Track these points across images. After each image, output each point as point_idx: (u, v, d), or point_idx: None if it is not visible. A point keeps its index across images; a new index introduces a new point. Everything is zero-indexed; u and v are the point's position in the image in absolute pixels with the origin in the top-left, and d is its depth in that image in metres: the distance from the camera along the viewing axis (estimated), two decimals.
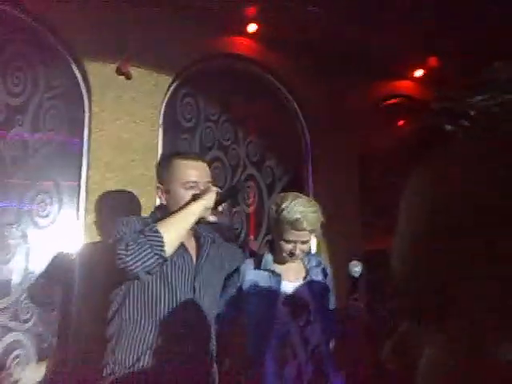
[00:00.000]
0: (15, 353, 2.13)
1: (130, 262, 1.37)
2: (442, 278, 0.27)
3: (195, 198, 1.55)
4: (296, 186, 3.08)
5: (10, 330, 2.13)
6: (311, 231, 1.84)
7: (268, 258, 1.92)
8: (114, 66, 2.39)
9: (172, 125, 2.65)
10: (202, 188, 1.58)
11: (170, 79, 2.60)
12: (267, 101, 3.02)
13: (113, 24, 2.39)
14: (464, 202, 0.26)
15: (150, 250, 1.39)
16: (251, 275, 1.88)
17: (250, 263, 1.92)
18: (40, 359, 2.19)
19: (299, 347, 1.80)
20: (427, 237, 0.28)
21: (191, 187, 1.58)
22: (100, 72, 2.37)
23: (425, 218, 0.29)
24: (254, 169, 2.97)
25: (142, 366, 1.46)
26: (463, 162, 0.28)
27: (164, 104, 2.60)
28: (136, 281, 1.48)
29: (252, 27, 2.81)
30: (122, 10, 2.42)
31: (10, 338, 2.12)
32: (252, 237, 2.89)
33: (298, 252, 1.83)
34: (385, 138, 3.01)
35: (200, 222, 1.56)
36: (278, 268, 1.90)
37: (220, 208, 1.60)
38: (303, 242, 1.84)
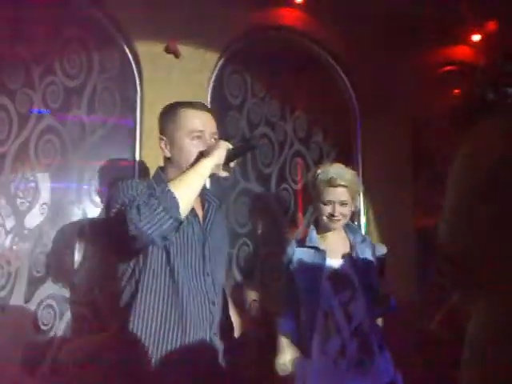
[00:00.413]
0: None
1: (145, 228, 1.24)
2: (489, 240, 0.27)
3: (204, 154, 1.46)
4: (344, 161, 3.02)
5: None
6: (348, 189, 1.89)
7: (312, 234, 1.96)
8: (163, 45, 2.40)
9: (219, 102, 2.65)
10: (208, 138, 1.51)
11: (217, 56, 2.58)
12: (315, 74, 2.96)
13: (159, 2, 2.39)
14: (503, 167, 0.27)
15: (164, 213, 1.27)
16: (297, 253, 1.91)
17: (294, 243, 1.99)
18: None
19: (342, 323, 1.81)
20: (473, 198, 0.29)
21: (197, 137, 1.50)
22: (150, 51, 2.39)
23: (470, 180, 0.30)
24: (301, 145, 2.94)
25: (162, 333, 1.41)
26: (503, 130, 0.28)
27: (212, 81, 2.60)
28: (149, 248, 1.39)
29: None
30: None
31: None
32: (301, 214, 2.88)
33: (337, 214, 1.88)
34: (440, 109, 2.89)
35: (211, 177, 1.49)
36: (322, 244, 1.92)
37: (232, 164, 1.50)
38: (342, 203, 1.90)
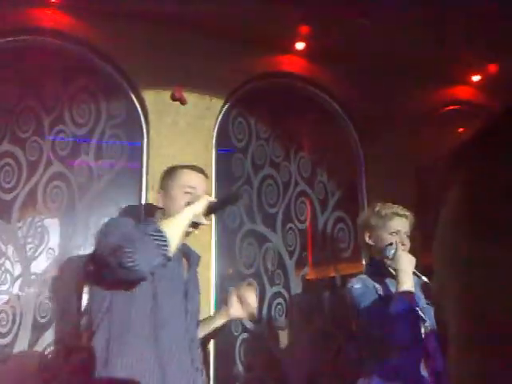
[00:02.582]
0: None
1: (138, 261, 1.35)
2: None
3: (189, 204, 1.62)
4: (350, 200, 3.04)
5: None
6: (408, 221, 1.95)
7: (376, 263, 1.99)
8: (168, 93, 2.49)
9: (225, 145, 2.70)
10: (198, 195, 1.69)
11: (221, 101, 2.66)
12: (317, 116, 3.02)
13: (165, 52, 2.50)
14: None
15: (156, 250, 1.40)
16: (372, 283, 1.94)
17: (363, 276, 1.99)
18: None
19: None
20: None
21: (188, 192, 1.68)
22: (156, 99, 2.47)
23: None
24: (305, 185, 2.96)
25: (136, 370, 1.45)
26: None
27: (216, 126, 2.66)
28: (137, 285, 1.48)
29: (300, 45, 2.83)
30: (172, 39, 2.52)
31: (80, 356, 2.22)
32: (307, 253, 2.87)
33: (406, 243, 1.93)
34: (444, 147, 2.92)
35: (195, 226, 1.62)
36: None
37: (212, 216, 1.70)
38: (406, 234, 1.95)
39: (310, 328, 2.76)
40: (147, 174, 2.43)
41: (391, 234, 1.93)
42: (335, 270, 2.90)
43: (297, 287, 2.75)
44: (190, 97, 2.53)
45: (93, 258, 1.57)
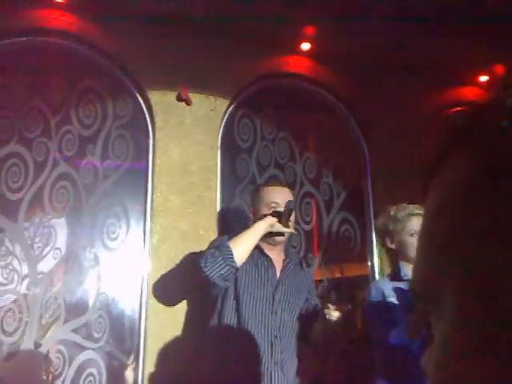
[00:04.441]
0: (88, 371, 2.23)
1: (208, 272, 1.70)
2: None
3: (263, 217, 1.89)
4: (355, 202, 3.03)
5: (84, 348, 2.24)
6: None
7: (403, 267, 1.99)
8: (174, 94, 2.50)
9: (230, 146, 2.71)
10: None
11: (227, 102, 2.67)
12: (323, 117, 3.02)
13: (171, 53, 2.51)
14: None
15: (222, 261, 1.71)
16: (388, 289, 1.98)
17: (384, 279, 2.09)
18: (110, 377, 2.28)
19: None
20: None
21: (273, 207, 1.90)
22: (162, 100, 2.49)
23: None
24: (311, 186, 2.96)
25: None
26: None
27: (222, 127, 2.67)
28: (229, 288, 1.80)
29: (305, 46, 2.83)
30: (178, 39, 2.53)
31: (83, 356, 2.23)
32: (314, 254, 2.87)
33: None
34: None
35: (279, 234, 1.89)
36: None
37: (290, 222, 1.91)
38: None
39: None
40: (153, 174, 2.44)
41: (411, 235, 1.95)
42: (341, 271, 2.89)
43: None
44: (196, 97, 2.54)
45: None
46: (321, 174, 2.99)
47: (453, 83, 3.20)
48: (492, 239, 0.25)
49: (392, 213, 2.04)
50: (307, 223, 2.89)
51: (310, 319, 1.95)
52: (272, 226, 1.85)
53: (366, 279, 2.93)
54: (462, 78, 3.17)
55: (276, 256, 1.94)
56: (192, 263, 2.23)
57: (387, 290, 1.99)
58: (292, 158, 2.93)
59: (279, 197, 1.93)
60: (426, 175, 0.33)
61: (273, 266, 1.91)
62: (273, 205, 1.90)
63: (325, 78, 2.97)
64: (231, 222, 2.63)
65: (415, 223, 1.96)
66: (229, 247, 1.73)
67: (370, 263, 2.90)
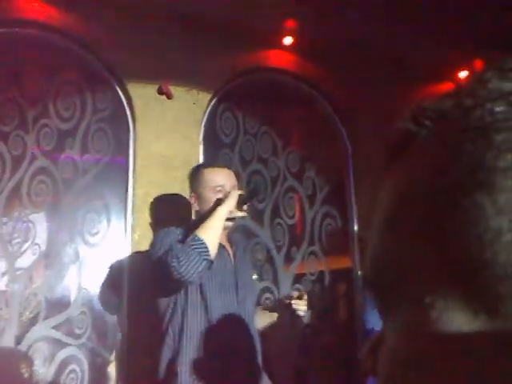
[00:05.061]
0: (70, 367, 2.21)
1: (184, 272, 1.52)
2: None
3: (219, 202, 1.73)
4: (338, 197, 3.05)
5: (66, 344, 2.21)
6: None
7: None
8: (155, 87, 2.48)
9: (212, 140, 2.70)
10: (228, 190, 1.77)
11: (209, 96, 2.65)
12: (306, 111, 3.02)
13: (152, 46, 2.48)
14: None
15: (198, 257, 1.55)
16: None
17: None
18: (93, 373, 2.26)
19: None
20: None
21: (218, 191, 1.77)
22: (142, 93, 2.46)
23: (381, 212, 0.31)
24: (294, 180, 2.97)
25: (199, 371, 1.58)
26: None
27: (204, 121, 2.66)
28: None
29: (288, 40, 2.83)
30: (159, 32, 2.50)
31: (65, 352, 2.21)
32: (295, 248, 2.88)
33: None
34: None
35: (231, 220, 1.74)
36: None
37: (244, 207, 1.77)
38: None
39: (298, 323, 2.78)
40: (134, 168, 2.42)
41: None
42: (324, 264, 2.92)
43: (285, 282, 2.76)
44: (177, 91, 2.52)
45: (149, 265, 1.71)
46: (304, 168, 2.99)
47: (434, 78, 3.23)
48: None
49: None
50: (290, 217, 2.90)
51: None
52: (231, 210, 1.71)
53: (349, 272, 2.95)
54: (444, 73, 3.20)
55: (225, 243, 1.79)
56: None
57: None
58: (275, 152, 2.93)
59: (224, 179, 1.79)
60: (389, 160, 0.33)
61: (228, 255, 1.78)
62: (218, 188, 1.76)
63: (307, 73, 2.97)
64: None
65: None
66: (201, 240, 1.57)
67: (352, 256, 2.93)
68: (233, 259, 1.79)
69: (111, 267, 2.32)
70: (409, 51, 2.83)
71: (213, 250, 1.59)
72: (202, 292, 1.66)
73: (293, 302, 1.72)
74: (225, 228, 1.72)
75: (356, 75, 2.92)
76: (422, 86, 3.23)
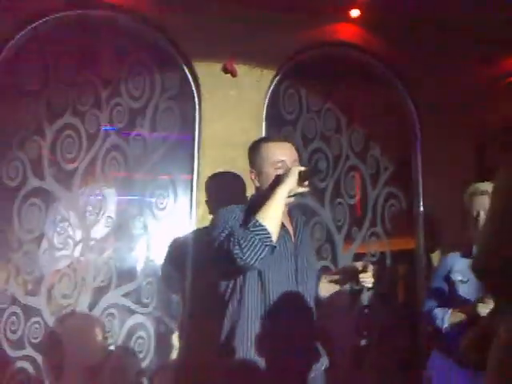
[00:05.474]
0: (137, 334, 2.35)
1: (248, 259, 1.49)
2: None
3: (279, 178, 1.64)
4: (403, 177, 2.95)
5: (134, 312, 2.35)
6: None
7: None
8: (220, 65, 2.49)
9: (275, 118, 2.68)
10: (289, 165, 1.67)
11: (272, 73, 2.63)
12: (372, 87, 2.91)
13: (217, 24, 2.48)
14: None
15: (260, 244, 1.50)
16: (460, 264, 2.01)
17: (456, 254, 2.08)
18: (158, 341, 2.38)
19: None
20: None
21: (279, 167, 1.68)
22: (208, 72, 2.48)
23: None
24: (357, 159, 2.90)
25: (258, 349, 1.56)
26: None
27: (267, 98, 2.64)
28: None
29: (355, 12, 2.72)
30: (223, 10, 2.49)
31: (132, 320, 2.35)
32: (356, 228, 2.84)
33: (481, 221, 1.94)
34: (504, 121, 2.73)
35: (294, 195, 1.65)
36: None
37: (306, 183, 1.66)
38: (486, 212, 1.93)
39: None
40: (199, 146, 2.47)
41: (473, 215, 2.00)
42: (387, 245, 2.86)
43: (344, 262, 2.73)
44: (241, 69, 2.51)
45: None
46: (368, 147, 2.91)
47: (502, 53, 2.98)
48: None
49: (468, 189, 2.06)
50: (351, 197, 2.85)
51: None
52: (292, 189, 1.62)
53: (411, 254, 2.88)
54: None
55: (285, 220, 1.71)
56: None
57: (457, 265, 2.00)
58: (338, 130, 2.87)
59: (285, 154, 1.69)
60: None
61: (289, 234, 1.72)
62: (279, 164, 1.68)
63: (375, 47, 2.85)
64: None
65: (478, 203, 1.97)
66: (262, 225, 1.52)
67: (415, 238, 2.84)
68: (293, 237, 1.74)
69: (173, 243, 2.40)
70: (474, 25, 2.63)
71: (275, 235, 1.55)
72: (260, 272, 1.62)
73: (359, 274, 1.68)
74: (285, 204, 1.65)
75: (426, 50, 2.77)
76: (489, 60, 3.01)
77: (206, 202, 2.39)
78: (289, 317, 1.62)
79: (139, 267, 2.42)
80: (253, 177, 1.75)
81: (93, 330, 2.30)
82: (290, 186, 1.60)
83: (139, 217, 2.43)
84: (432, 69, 2.80)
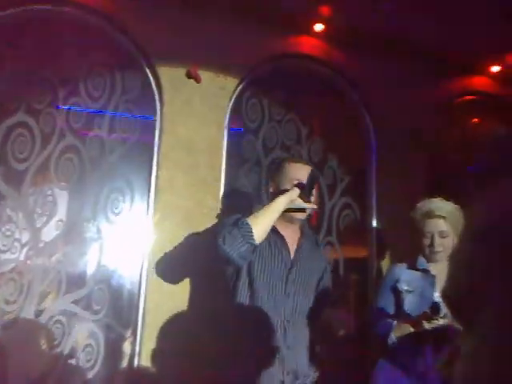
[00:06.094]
0: (86, 342, 2.26)
1: (227, 250, 1.62)
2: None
3: (283, 192, 1.79)
4: (358, 187, 3.03)
5: (83, 319, 2.26)
6: (446, 220, 1.98)
7: (421, 259, 2.08)
8: (184, 70, 2.46)
9: (237, 126, 2.68)
10: None
11: (236, 81, 2.63)
12: (332, 100, 2.98)
13: (183, 29, 2.45)
14: None
15: (242, 239, 1.63)
16: (406, 275, 2.07)
17: (403, 265, 2.14)
18: (108, 349, 2.31)
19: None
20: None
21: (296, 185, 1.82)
22: (171, 76, 2.44)
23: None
24: (315, 169, 2.94)
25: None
26: None
27: (230, 106, 2.64)
28: (242, 267, 1.75)
29: (319, 27, 2.77)
30: (190, 16, 2.47)
31: (82, 327, 2.26)
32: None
33: (436, 245, 1.99)
34: (458, 138, 2.87)
35: (301, 211, 1.82)
36: (432, 270, 2.03)
37: (311, 198, 1.83)
38: (441, 235, 2.00)
39: None
40: (159, 149, 2.42)
41: (424, 235, 2.04)
42: (340, 253, 2.93)
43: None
44: (205, 75, 2.50)
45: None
46: (326, 158, 2.97)
47: (464, 72, 3.16)
48: None
49: (418, 206, 2.09)
50: None
51: (319, 304, 1.89)
52: (293, 201, 1.76)
53: (364, 262, 2.96)
54: (474, 66, 3.13)
55: (291, 234, 1.86)
56: (194, 241, 2.23)
57: (404, 276, 2.07)
58: (298, 140, 2.91)
59: (303, 174, 1.84)
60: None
61: (286, 246, 1.84)
62: (295, 182, 1.82)
63: (336, 61, 2.92)
64: (235, 203, 2.63)
65: (431, 225, 2.01)
66: (248, 224, 1.64)
67: (368, 247, 2.93)
68: (292, 253, 1.85)
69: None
70: (437, 44, 2.77)
71: (258, 235, 1.65)
72: (250, 274, 1.76)
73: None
74: (293, 220, 1.83)
75: (385, 66, 2.87)
76: (450, 79, 3.17)
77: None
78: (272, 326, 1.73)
79: (90, 273, 2.33)
80: (271, 189, 1.93)
81: (39, 338, 2.19)
82: (287, 198, 1.74)
83: (92, 221, 2.34)
84: (390, 83, 2.90)
